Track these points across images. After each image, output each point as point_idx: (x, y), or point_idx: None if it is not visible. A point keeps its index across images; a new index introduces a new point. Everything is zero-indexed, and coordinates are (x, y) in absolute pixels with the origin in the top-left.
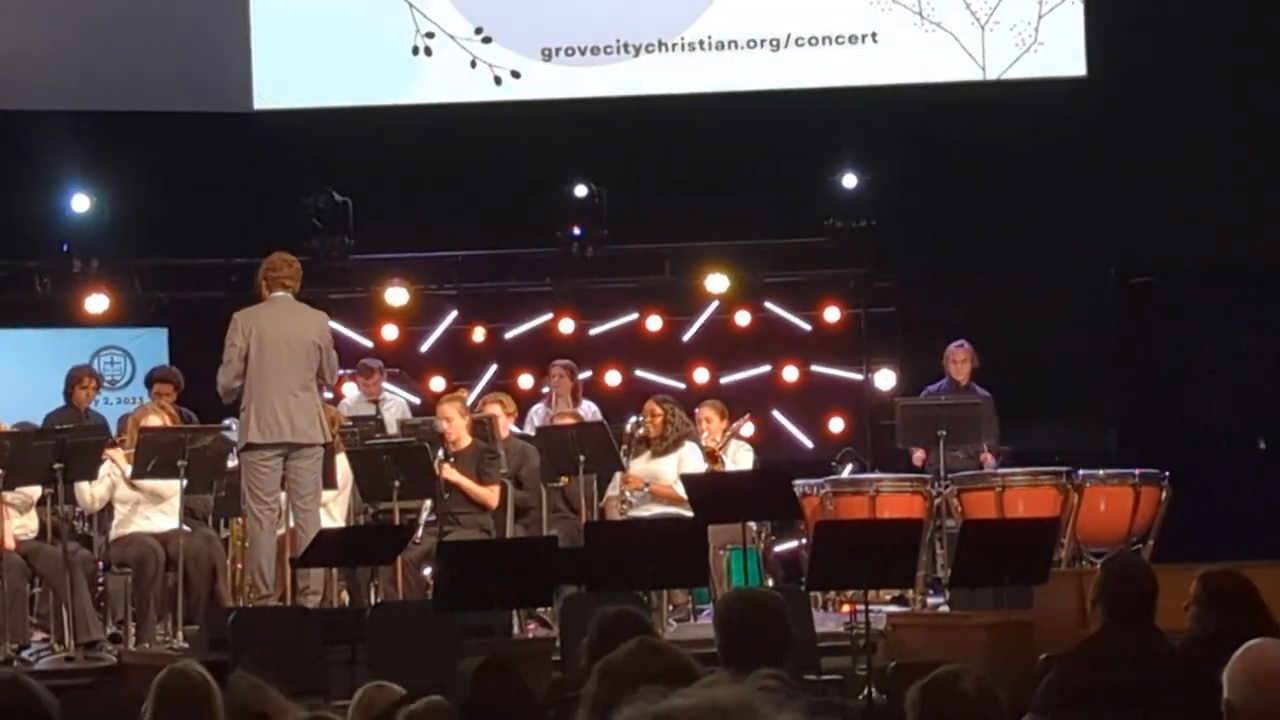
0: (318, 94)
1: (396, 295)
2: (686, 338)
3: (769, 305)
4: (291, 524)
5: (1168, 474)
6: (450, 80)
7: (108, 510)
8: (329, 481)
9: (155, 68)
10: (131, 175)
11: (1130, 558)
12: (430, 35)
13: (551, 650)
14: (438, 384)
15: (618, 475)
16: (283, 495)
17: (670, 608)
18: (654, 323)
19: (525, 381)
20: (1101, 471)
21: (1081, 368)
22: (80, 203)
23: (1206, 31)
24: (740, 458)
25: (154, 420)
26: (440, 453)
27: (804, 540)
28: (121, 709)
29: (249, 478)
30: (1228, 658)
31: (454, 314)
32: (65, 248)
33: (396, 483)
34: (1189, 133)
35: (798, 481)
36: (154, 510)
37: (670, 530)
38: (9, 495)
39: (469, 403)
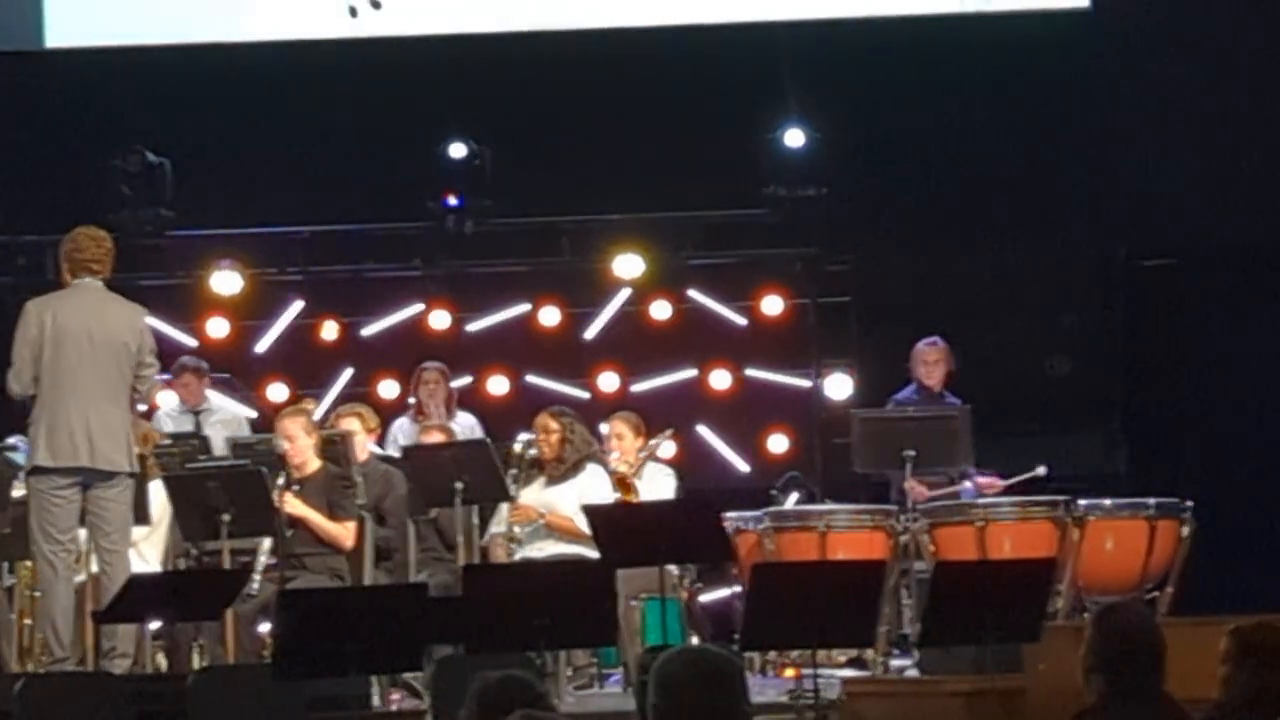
0: (125, 29)
1: (226, 281)
2: (590, 335)
3: (693, 294)
4: (94, 569)
5: (1191, 504)
6: (292, 11)
7: None
8: (141, 516)
9: None
10: None
11: (1128, 609)
12: None
13: None
14: (278, 393)
15: (504, 506)
16: (82, 533)
17: (570, 672)
18: (549, 316)
19: (388, 390)
20: (1108, 501)
21: (1083, 371)
22: None
23: None
24: (658, 484)
25: None
26: (281, 479)
27: (737, 588)
28: None
29: (39, 512)
30: None
31: (298, 305)
32: None
33: (226, 517)
34: (1218, 82)
35: (729, 515)
36: None
37: (570, 575)
38: None
39: (317, 417)
